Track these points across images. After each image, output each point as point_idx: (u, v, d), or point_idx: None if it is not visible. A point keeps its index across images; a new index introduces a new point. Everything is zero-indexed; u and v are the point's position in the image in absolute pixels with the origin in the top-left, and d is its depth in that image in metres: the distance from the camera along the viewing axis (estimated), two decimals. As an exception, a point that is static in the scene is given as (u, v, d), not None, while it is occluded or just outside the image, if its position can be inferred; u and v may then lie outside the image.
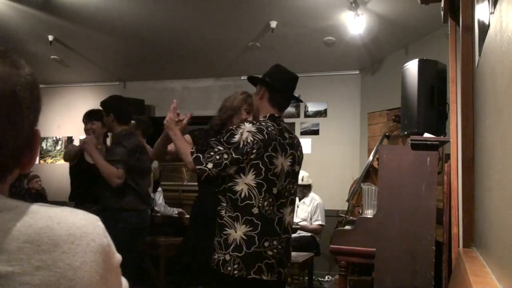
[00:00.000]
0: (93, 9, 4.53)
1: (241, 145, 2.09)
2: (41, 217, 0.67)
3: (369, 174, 4.52)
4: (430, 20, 4.08)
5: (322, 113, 6.09)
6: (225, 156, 2.08)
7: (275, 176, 2.13)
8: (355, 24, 4.37)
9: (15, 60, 0.70)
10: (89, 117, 3.49)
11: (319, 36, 4.93)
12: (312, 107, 6.12)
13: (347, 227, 3.39)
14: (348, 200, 4.77)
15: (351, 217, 4.07)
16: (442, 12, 2.79)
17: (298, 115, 6.15)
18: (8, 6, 4.57)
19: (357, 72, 5.97)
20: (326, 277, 5.56)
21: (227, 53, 5.47)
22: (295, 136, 2.34)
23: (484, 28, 1.43)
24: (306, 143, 6.07)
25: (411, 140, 2.77)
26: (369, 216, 3.04)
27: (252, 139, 2.10)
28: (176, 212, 4.96)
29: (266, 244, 2.10)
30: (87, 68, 6.32)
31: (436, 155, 2.73)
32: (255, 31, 4.91)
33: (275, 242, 2.12)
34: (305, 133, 6.10)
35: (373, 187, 3.20)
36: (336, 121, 6.01)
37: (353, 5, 4.13)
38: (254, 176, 2.11)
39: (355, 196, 4.64)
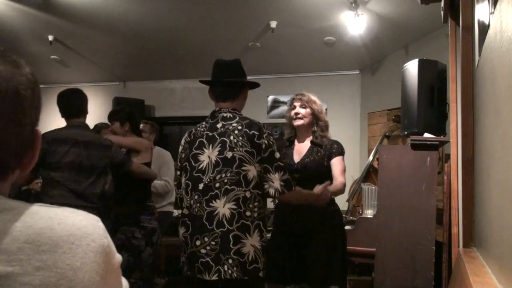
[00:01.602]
0: (93, 9, 4.53)
1: (178, 157, 2.29)
2: (41, 217, 0.67)
3: (369, 174, 4.52)
4: (430, 20, 4.08)
5: (322, 113, 6.08)
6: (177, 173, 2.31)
7: (200, 172, 2.12)
8: (355, 24, 4.37)
9: (15, 59, 0.71)
10: (110, 117, 3.55)
11: (319, 36, 4.92)
12: (312, 107, 6.12)
13: (347, 227, 3.39)
14: (348, 200, 4.77)
15: (351, 217, 4.07)
16: (442, 12, 2.79)
17: (298, 115, 6.15)
18: (8, 6, 4.56)
19: (357, 72, 5.97)
20: (326, 277, 5.55)
21: (227, 53, 5.46)
22: (238, 122, 2.15)
23: (484, 28, 1.43)
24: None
25: (411, 140, 2.77)
26: (369, 216, 3.04)
27: (180, 147, 2.27)
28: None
29: (198, 243, 2.05)
30: (87, 68, 6.32)
31: (436, 155, 2.73)
32: (255, 31, 4.91)
33: (206, 239, 2.05)
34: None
35: (373, 187, 3.20)
36: (336, 121, 6.00)
37: (353, 5, 4.13)
38: (184, 179, 2.18)
39: (355, 196, 4.64)
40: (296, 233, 2.75)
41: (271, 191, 2.08)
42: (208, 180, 2.09)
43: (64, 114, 3.03)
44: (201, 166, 2.12)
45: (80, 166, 2.89)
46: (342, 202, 5.00)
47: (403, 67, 2.96)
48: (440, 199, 3.07)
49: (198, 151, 2.15)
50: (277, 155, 2.11)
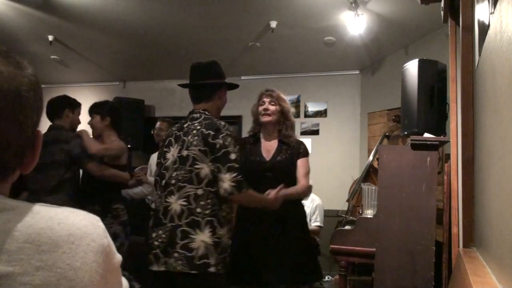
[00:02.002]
0: (93, 9, 4.53)
1: None
2: (42, 217, 0.67)
3: (369, 174, 4.51)
4: (430, 20, 4.08)
5: (322, 113, 6.09)
6: None
7: (165, 170, 2.25)
8: (355, 24, 4.37)
9: (18, 60, 0.71)
10: (90, 111, 3.46)
11: (319, 36, 4.92)
12: (312, 107, 6.12)
13: (347, 227, 3.39)
14: (348, 200, 4.77)
15: (351, 217, 4.07)
16: (442, 12, 2.79)
17: (298, 115, 6.15)
18: (8, 6, 4.56)
19: (357, 72, 5.97)
20: (326, 277, 5.56)
21: (227, 53, 5.47)
22: (200, 122, 2.25)
23: (484, 28, 1.43)
24: (306, 143, 6.05)
25: (411, 140, 2.77)
26: (369, 216, 3.04)
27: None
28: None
29: (154, 235, 2.19)
30: (87, 68, 6.32)
31: (436, 155, 2.73)
32: (255, 31, 4.91)
33: (160, 232, 2.16)
34: (305, 133, 6.09)
35: (373, 187, 3.20)
36: (336, 121, 6.01)
37: (353, 5, 4.13)
38: (155, 175, 2.34)
39: (355, 196, 4.63)
40: (268, 233, 2.71)
41: (221, 190, 2.13)
42: (168, 177, 2.22)
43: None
44: (167, 163, 2.26)
45: (38, 165, 2.92)
46: (342, 202, 5.01)
47: (403, 67, 2.96)
48: (440, 199, 3.07)
49: (166, 149, 2.29)
50: (233, 156, 2.14)
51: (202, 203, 2.13)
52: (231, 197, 2.16)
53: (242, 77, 6.15)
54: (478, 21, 1.67)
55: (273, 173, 2.67)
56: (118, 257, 0.76)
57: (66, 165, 3.13)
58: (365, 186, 3.28)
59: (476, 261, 1.51)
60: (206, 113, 2.31)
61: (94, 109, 3.39)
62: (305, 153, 2.85)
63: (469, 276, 1.21)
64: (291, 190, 2.62)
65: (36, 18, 4.79)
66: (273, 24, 4.61)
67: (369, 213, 3.12)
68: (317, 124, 6.07)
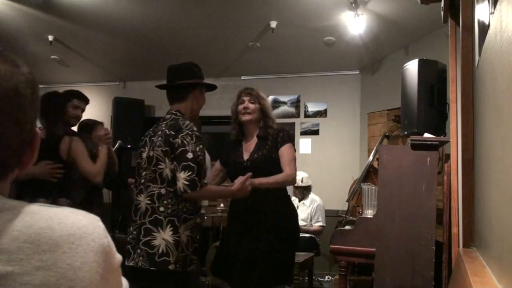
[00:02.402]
0: (93, 9, 4.53)
1: None
2: (41, 217, 0.67)
3: (369, 174, 4.51)
4: (430, 20, 4.08)
5: (322, 113, 6.09)
6: None
7: (140, 169, 2.37)
8: (355, 24, 4.37)
9: (13, 59, 0.71)
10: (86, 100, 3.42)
11: (319, 36, 4.92)
12: (312, 107, 6.12)
13: (347, 227, 3.39)
14: (348, 200, 4.77)
15: (351, 217, 4.07)
16: (442, 12, 2.79)
17: (298, 115, 6.15)
18: (8, 6, 4.56)
19: (357, 72, 5.97)
20: (326, 277, 5.56)
21: (227, 53, 5.47)
22: (167, 123, 2.32)
23: (484, 28, 1.43)
24: (306, 143, 6.07)
25: (411, 140, 2.77)
26: (369, 216, 3.03)
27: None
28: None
29: (128, 231, 2.30)
30: (87, 68, 6.32)
31: (436, 155, 2.73)
32: (255, 31, 4.91)
33: (131, 228, 2.29)
34: (305, 133, 6.10)
35: (373, 187, 3.20)
36: (336, 121, 6.01)
37: (353, 5, 4.13)
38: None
39: (355, 196, 4.63)
40: (243, 228, 2.73)
41: (178, 189, 2.19)
42: (139, 176, 2.35)
43: None
44: (141, 163, 2.37)
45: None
46: (342, 202, 5.01)
47: (403, 67, 2.96)
48: (440, 199, 3.07)
49: (142, 149, 2.40)
50: (190, 155, 2.17)
51: (164, 202, 2.21)
52: (187, 196, 2.20)
53: (242, 77, 6.15)
54: (478, 21, 1.67)
55: (252, 171, 2.60)
56: (118, 257, 0.76)
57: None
58: (365, 186, 3.28)
59: (476, 261, 1.51)
60: (178, 113, 2.37)
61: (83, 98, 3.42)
62: (286, 140, 2.75)
63: (469, 276, 1.21)
64: (268, 179, 2.58)
65: (36, 18, 4.79)
66: (273, 24, 4.61)
67: (369, 213, 3.12)
68: (317, 124, 6.07)
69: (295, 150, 2.81)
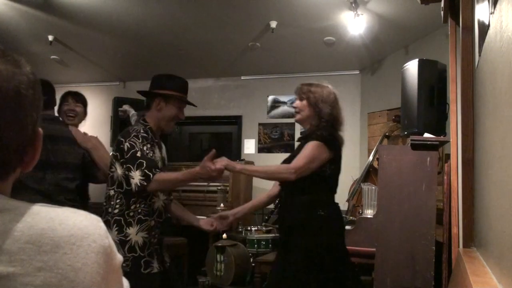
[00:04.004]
0: (93, 9, 4.53)
1: None
2: (43, 217, 0.67)
3: (369, 174, 4.51)
4: (430, 20, 4.08)
5: (322, 113, 6.08)
6: None
7: None
8: (355, 24, 4.36)
9: (16, 59, 0.71)
10: (76, 97, 3.24)
11: (319, 36, 4.92)
12: (312, 107, 6.11)
13: (347, 227, 3.39)
14: (348, 200, 4.77)
15: (351, 217, 4.07)
16: (442, 12, 2.79)
17: (298, 115, 6.14)
18: (8, 6, 4.56)
19: (357, 72, 5.97)
20: (326, 277, 5.55)
21: (227, 53, 5.47)
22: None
23: (484, 28, 1.43)
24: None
25: (411, 140, 2.77)
26: (369, 216, 3.04)
27: None
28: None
29: None
30: (87, 68, 6.32)
31: (436, 155, 2.73)
32: (255, 31, 4.91)
33: None
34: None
35: (373, 187, 3.20)
36: (336, 121, 6.00)
37: (353, 5, 4.13)
38: None
39: (355, 196, 4.63)
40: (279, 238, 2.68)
41: (134, 187, 2.26)
42: None
43: None
44: None
45: (46, 163, 2.67)
46: (342, 202, 5.00)
47: (403, 67, 2.96)
48: (440, 199, 3.07)
49: None
50: (139, 153, 2.30)
51: (112, 203, 2.35)
52: (146, 189, 2.26)
53: (242, 77, 6.15)
54: (478, 21, 1.67)
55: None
56: (119, 258, 0.76)
57: (79, 168, 2.87)
58: (365, 186, 3.29)
59: (476, 261, 1.51)
60: (142, 121, 2.50)
61: (81, 97, 3.26)
62: (315, 137, 2.65)
63: (469, 276, 1.21)
64: (256, 167, 2.56)
65: (36, 18, 4.79)
66: (273, 24, 4.61)
67: (369, 213, 3.12)
68: (317, 124, 6.07)
69: (325, 150, 2.57)
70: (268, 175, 2.57)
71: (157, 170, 2.29)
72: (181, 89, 2.58)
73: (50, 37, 5.19)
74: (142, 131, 2.39)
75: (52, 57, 5.86)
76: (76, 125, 3.17)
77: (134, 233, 2.30)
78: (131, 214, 2.31)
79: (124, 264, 2.22)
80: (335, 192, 2.71)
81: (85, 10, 4.55)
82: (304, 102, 2.67)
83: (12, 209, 0.66)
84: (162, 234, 2.54)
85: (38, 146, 0.74)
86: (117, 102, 6.22)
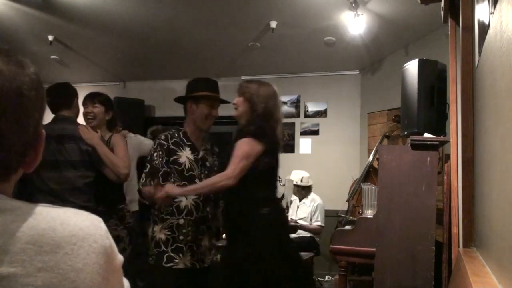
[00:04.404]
0: (93, 9, 4.53)
1: None
2: (44, 218, 0.67)
3: (369, 174, 4.52)
4: (430, 20, 4.08)
5: (322, 113, 6.09)
6: None
7: None
8: (355, 24, 4.36)
9: (19, 59, 0.70)
10: (93, 99, 3.16)
11: (319, 36, 4.92)
12: (312, 107, 6.12)
13: (347, 227, 3.39)
14: (348, 200, 4.77)
15: (351, 217, 4.07)
16: (442, 12, 2.79)
17: (298, 115, 6.15)
18: (8, 6, 4.56)
19: (357, 72, 5.97)
20: (326, 277, 5.56)
21: (227, 53, 5.47)
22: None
23: (484, 28, 1.43)
24: (306, 143, 6.07)
25: (411, 140, 2.77)
26: (369, 216, 3.04)
27: None
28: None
29: None
30: (87, 68, 6.32)
31: (436, 155, 2.73)
32: (255, 31, 4.91)
33: None
34: (305, 133, 6.10)
35: (373, 187, 3.20)
36: (336, 121, 6.01)
37: (353, 5, 4.13)
38: None
39: (355, 196, 4.64)
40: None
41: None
42: None
43: (50, 108, 2.87)
44: None
45: (56, 163, 2.68)
46: (342, 202, 5.01)
47: (403, 67, 2.96)
48: (440, 199, 3.07)
49: None
50: (149, 157, 2.63)
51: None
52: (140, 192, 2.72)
53: (242, 77, 6.13)
54: (478, 21, 1.67)
55: None
56: (120, 258, 0.76)
57: (86, 165, 2.82)
58: (365, 186, 3.29)
59: (476, 261, 1.51)
60: (178, 126, 2.76)
61: (98, 98, 3.17)
62: (243, 134, 2.49)
63: (469, 276, 1.21)
64: (188, 187, 2.48)
65: (36, 18, 4.79)
66: (273, 24, 4.61)
67: (369, 213, 3.12)
68: (317, 124, 6.07)
69: (256, 143, 2.38)
70: (209, 189, 2.43)
71: (153, 179, 2.48)
72: (209, 88, 2.67)
73: (50, 37, 5.19)
74: (163, 137, 2.57)
75: (52, 57, 5.86)
76: (99, 127, 3.10)
77: (158, 230, 2.53)
78: (155, 213, 2.57)
79: (150, 258, 2.46)
80: (275, 187, 2.56)
81: (85, 10, 4.55)
82: (241, 98, 2.54)
83: (13, 209, 0.66)
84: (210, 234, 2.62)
85: (41, 147, 0.74)
86: (117, 102, 6.23)
